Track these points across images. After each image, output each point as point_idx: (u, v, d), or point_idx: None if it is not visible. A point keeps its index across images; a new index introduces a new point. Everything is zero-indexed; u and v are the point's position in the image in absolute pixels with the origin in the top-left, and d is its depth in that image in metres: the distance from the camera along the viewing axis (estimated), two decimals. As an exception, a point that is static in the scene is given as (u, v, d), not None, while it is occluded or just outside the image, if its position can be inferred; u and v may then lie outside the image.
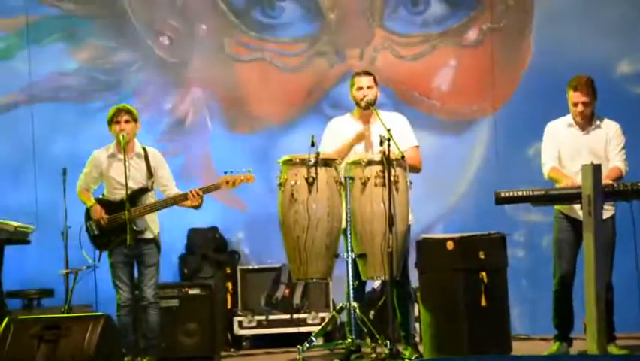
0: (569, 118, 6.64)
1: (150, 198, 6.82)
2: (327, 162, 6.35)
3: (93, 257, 6.84)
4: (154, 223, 6.85)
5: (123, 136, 6.68)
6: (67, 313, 6.86)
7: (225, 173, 6.77)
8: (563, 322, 6.59)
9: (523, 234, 8.42)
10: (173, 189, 6.86)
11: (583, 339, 6.43)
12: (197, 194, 6.70)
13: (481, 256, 6.42)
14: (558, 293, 6.57)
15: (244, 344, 8.13)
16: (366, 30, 8.80)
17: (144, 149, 6.90)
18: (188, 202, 6.74)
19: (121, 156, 6.75)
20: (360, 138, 6.57)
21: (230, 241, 8.65)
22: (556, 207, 6.60)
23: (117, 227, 6.67)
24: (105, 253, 6.81)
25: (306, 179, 6.26)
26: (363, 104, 6.65)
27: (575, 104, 6.52)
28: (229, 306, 8.23)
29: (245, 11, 8.90)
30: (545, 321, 6.78)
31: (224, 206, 8.59)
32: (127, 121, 6.79)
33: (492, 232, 6.60)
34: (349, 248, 6.35)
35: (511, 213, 8.24)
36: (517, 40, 8.65)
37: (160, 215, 6.97)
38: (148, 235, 6.80)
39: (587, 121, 6.57)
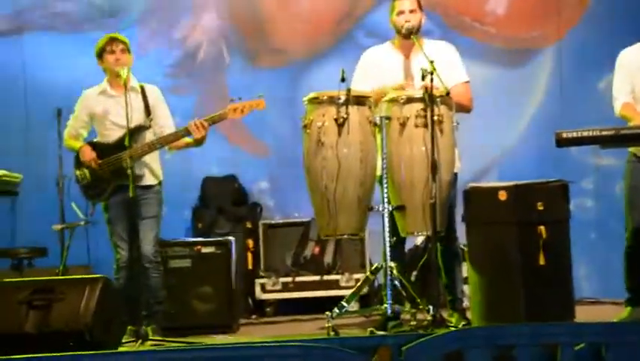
0: None
1: (148, 139, 6.82)
2: (360, 100, 6.32)
3: (85, 211, 6.88)
4: (156, 167, 6.86)
5: (123, 69, 6.66)
6: (63, 275, 6.92)
7: (232, 100, 6.74)
8: (637, 283, 6.56)
9: (593, 181, 8.42)
10: (170, 130, 6.86)
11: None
12: (202, 125, 6.67)
13: (539, 207, 6.39)
14: (630, 250, 6.54)
15: (267, 309, 8.21)
16: (410, -57, 8.72)
17: (141, 86, 6.91)
18: (186, 140, 6.74)
19: (113, 92, 6.78)
20: (400, 89, 6.51)
21: (251, 192, 8.71)
22: (631, 149, 6.55)
23: (112, 173, 6.69)
24: (99, 206, 6.83)
25: (335, 120, 6.24)
26: (404, 31, 6.61)
27: None
28: (250, 267, 8.30)
29: None
30: (618, 282, 6.75)
31: (244, 151, 8.63)
32: (122, 51, 6.81)
33: (552, 179, 6.55)
34: (386, 199, 6.34)
35: (579, 156, 8.25)
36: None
37: (169, 162, 6.99)
38: (149, 181, 6.81)
39: None
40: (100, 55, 6.84)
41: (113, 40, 6.83)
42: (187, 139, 6.78)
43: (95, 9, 8.84)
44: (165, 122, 6.91)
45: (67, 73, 8.54)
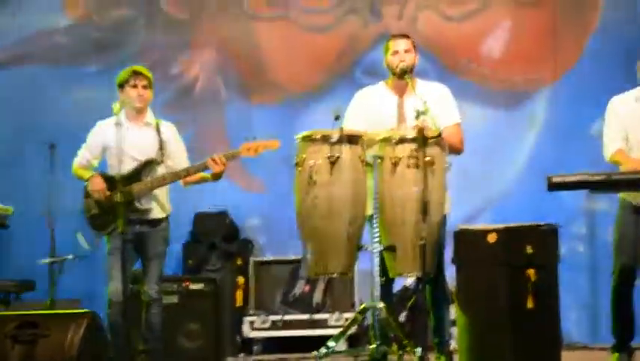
0: (638, 91, 6.58)
1: (160, 173, 6.84)
2: (353, 139, 6.32)
3: (90, 242, 6.88)
4: (166, 200, 6.87)
5: (118, 106, 6.64)
6: (50, 309, 6.91)
7: (246, 139, 6.79)
8: (622, 328, 6.56)
9: (585, 225, 8.40)
10: (183, 165, 6.88)
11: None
12: (220, 160, 6.70)
13: (529, 250, 6.38)
14: (617, 293, 6.54)
15: (255, 348, 8.20)
16: (406, -16, 8.81)
17: (157, 121, 6.95)
18: (200, 175, 6.78)
19: (129, 125, 6.79)
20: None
21: (243, 228, 8.71)
22: (622, 195, 6.56)
23: (118, 205, 6.70)
24: (105, 238, 6.83)
25: (328, 158, 6.24)
26: (398, 71, 6.62)
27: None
28: (239, 304, 8.30)
29: (267, -39, 8.95)
30: (608, 328, 6.74)
31: (237, 187, 8.64)
32: (145, 87, 6.84)
33: (543, 223, 6.55)
34: (376, 239, 6.34)
35: (572, 201, 8.24)
36: (584, -4, 8.61)
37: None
38: (157, 214, 6.82)
39: None
40: (121, 85, 6.86)
41: (137, 74, 6.85)
42: (203, 174, 6.80)
43: (93, 43, 8.87)
44: (180, 158, 6.93)
45: (62, 107, 8.57)
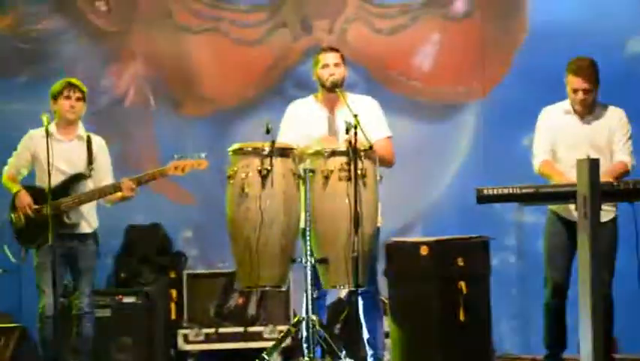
0: (566, 104, 6.69)
1: (87, 188, 6.83)
2: (284, 152, 6.35)
3: (17, 255, 6.83)
4: (92, 216, 6.87)
5: (48, 118, 6.63)
6: (-21, 323, 6.85)
7: (175, 157, 6.80)
8: (555, 340, 6.65)
9: (515, 237, 8.50)
10: (107, 182, 6.88)
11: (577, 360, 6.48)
12: (131, 187, 6.72)
13: (460, 262, 6.47)
14: (549, 306, 6.64)
15: (189, 361, 8.18)
16: (336, -3, 8.85)
17: (88, 135, 6.93)
18: (119, 194, 6.76)
19: (59, 137, 6.78)
20: (323, 140, 6.56)
21: (176, 241, 8.68)
22: (550, 206, 6.66)
23: (46, 220, 6.66)
24: (32, 251, 6.79)
25: (259, 171, 6.26)
26: (328, 84, 6.66)
27: (575, 91, 6.58)
28: (173, 317, 8.25)
29: (197, -28, 8.94)
30: (539, 338, 6.83)
31: (169, 200, 8.61)
32: (78, 99, 6.86)
33: (473, 235, 6.63)
34: (309, 251, 6.37)
35: (502, 213, 8.34)
36: (511, 12, 8.73)
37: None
38: (84, 229, 6.82)
39: (588, 109, 6.63)
40: (55, 97, 6.84)
41: (72, 86, 6.85)
42: (117, 195, 6.79)
43: (20, 55, 8.79)
44: (104, 175, 6.92)
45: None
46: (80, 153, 6.84)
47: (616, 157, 6.57)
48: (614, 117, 6.65)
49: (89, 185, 6.85)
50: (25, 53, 8.81)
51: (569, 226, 6.52)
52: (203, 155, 6.86)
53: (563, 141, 6.65)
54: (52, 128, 6.85)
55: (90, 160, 6.86)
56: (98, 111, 8.76)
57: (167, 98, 8.92)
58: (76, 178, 6.80)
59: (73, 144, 6.83)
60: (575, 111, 6.64)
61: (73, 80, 6.92)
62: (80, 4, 8.88)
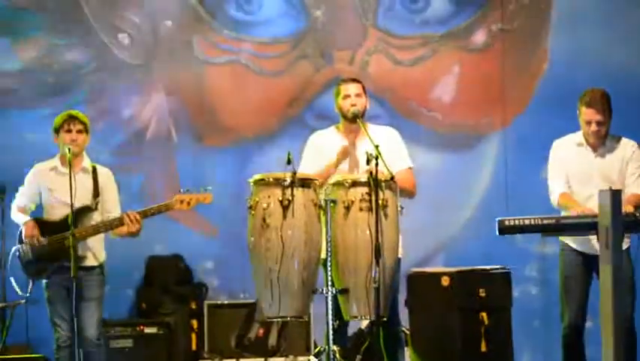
0: (579, 136, 6.68)
1: (94, 221, 6.82)
2: (306, 183, 6.35)
3: (26, 287, 6.83)
4: (98, 248, 6.84)
5: (69, 149, 6.66)
6: (2, 354, 6.83)
7: (180, 191, 6.80)
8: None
9: (537, 268, 8.47)
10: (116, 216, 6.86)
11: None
12: (135, 219, 6.68)
13: (482, 293, 6.46)
14: (567, 339, 6.61)
15: (209, 392, 8.17)
16: (357, 30, 8.89)
17: (93, 167, 6.92)
18: (125, 228, 6.72)
19: (64, 170, 6.73)
20: (345, 154, 6.59)
21: (196, 272, 8.69)
22: (562, 238, 6.65)
23: (55, 252, 6.66)
24: (39, 284, 6.79)
25: (281, 201, 6.26)
26: (349, 115, 6.67)
27: (588, 123, 6.56)
28: (193, 347, 8.25)
29: (217, 5, 8.98)
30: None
31: (190, 231, 8.62)
32: (79, 131, 6.80)
33: (495, 266, 6.61)
34: (330, 282, 6.36)
35: (523, 244, 8.31)
36: (532, 44, 8.75)
37: (113, 240, 6.98)
38: (91, 262, 6.79)
39: (600, 141, 6.61)
40: (57, 130, 6.84)
41: (72, 118, 6.81)
42: (124, 227, 6.76)
43: (45, 86, 8.84)
44: (111, 207, 6.90)
45: (14, 150, 8.53)
46: (85, 186, 6.82)
47: (629, 190, 6.54)
48: (627, 149, 6.63)
49: (96, 218, 6.83)
50: (48, 85, 8.85)
51: (585, 258, 6.51)
52: (209, 188, 6.84)
53: (575, 173, 6.64)
54: (57, 162, 6.86)
55: (96, 192, 6.84)
56: (120, 143, 8.83)
57: (189, 129, 8.95)
58: (82, 211, 6.78)
59: (79, 177, 6.79)
60: (588, 143, 6.63)
61: (74, 113, 6.89)
62: (103, 36, 8.92)
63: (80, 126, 6.80)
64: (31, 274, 6.78)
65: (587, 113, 6.56)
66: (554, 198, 6.64)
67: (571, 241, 6.61)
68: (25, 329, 7.53)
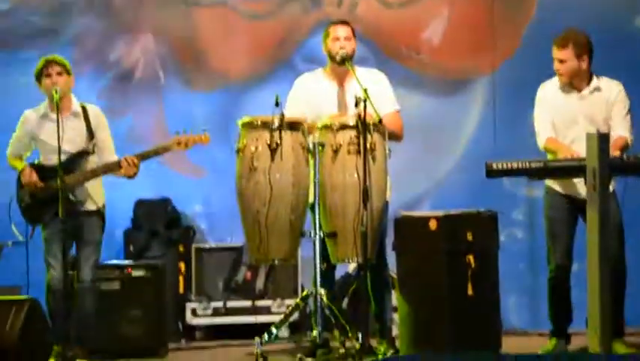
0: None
1: (92, 164, 6.83)
2: (294, 125, 6.37)
3: (25, 232, 6.85)
4: (97, 193, 6.87)
5: (56, 90, 6.65)
6: (-10, 296, 6.86)
7: (177, 133, 6.81)
8: (560, 315, 6.67)
9: (524, 212, 8.48)
10: (110, 157, 6.85)
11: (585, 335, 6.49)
12: (133, 162, 6.69)
13: (469, 237, 6.45)
14: (553, 281, 6.67)
15: (197, 334, 8.19)
16: (346, -29, 8.82)
17: (83, 107, 6.90)
18: (122, 171, 6.74)
19: (54, 116, 6.71)
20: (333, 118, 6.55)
21: (185, 215, 8.67)
22: (546, 182, 6.67)
23: (52, 196, 6.67)
24: (38, 228, 6.82)
25: (269, 145, 6.28)
26: (338, 58, 6.66)
27: (553, 61, 6.57)
28: (181, 291, 8.28)
29: (205, -56, 8.90)
30: (546, 314, 6.84)
31: (178, 174, 8.61)
32: (59, 73, 6.78)
33: (482, 209, 6.62)
34: (317, 225, 6.38)
35: (511, 188, 8.33)
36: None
37: (103, 183, 6.99)
38: (89, 207, 6.82)
39: (582, 82, 6.59)
40: (38, 78, 6.83)
41: (49, 62, 6.80)
42: (121, 171, 6.77)
43: (30, 28, 8.77)
44: (105, 148, 6.89)
45: (4, 93, 8.49)
46: (78, 129, 6.82)
47: (615, 132, 6.52)
48: (613, 91, 6.61)
49: (93, 160, 6.83)
50: (33, 26, 8.78)
51: (570, 201, 6.53)
52: (205, 129, 6.85)
53: (560, 116, 6.64)
54: (45, 107, 6.84)
55: (90, 135, 6.84)
56: (107, 86, 8.79)
57: (177, 71, 8.89)
58: (80, 155, 6.79)
59: (70, 122, 6.79)
60: (572, 86, 6.61)
61: (50, 57, 6.87)
62: (91, -23, 8.86)
63: (58, 68, 6.79)
64: (30, 219, 6.82)
65: (552, 52, 6.55)
66: (540, 141, 6.65)
67: (555, 184, 6.63)
68: (27, 275, 7.51)
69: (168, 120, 8.74)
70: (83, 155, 6.82)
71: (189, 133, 6.82)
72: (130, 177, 6.79)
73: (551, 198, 6.66)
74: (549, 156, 6.54)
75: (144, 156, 6.79)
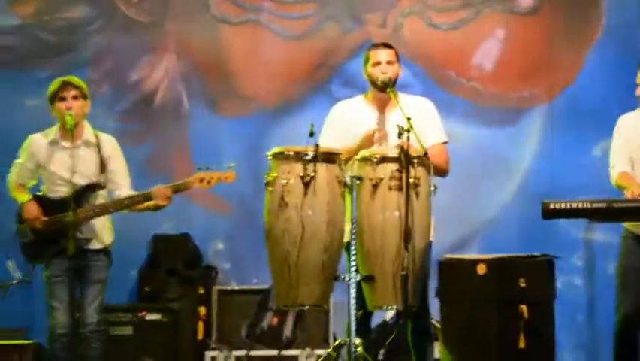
0: None
1: (101, 198, 6.80)
2: (329, 157, 6.30)
3: (24, 271, 6.83)
4: (105, 230, 6.83)
5: (71, 116, 6.63)
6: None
7: (199, 169, 6.78)
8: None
9: (584, 257, 8.42)
10: (125, 190, 6.82)
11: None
12: (166, 194, 6.67)
13: (522, 284, 6.41)
14: (620, 335, 6.54)
15: (217, 386, 8.18)
16: (391, -11, 8.84)
17: (96, 135, 6.88)
18: (152, 202, 6.71)
19: (65, 144, 6.71)
20: (368, 141, 6.51)
21: (206, 254, 8.70)
22: (626, 224, 6.57)
23: (56, 232, 6.64)
24: (40, 267, 6.79)
25: (302, 178, 6.22)
26: (379, 83, 6.62)
27: (637, 86, 6.50)
28: (200, 337, 8.27)
29: (236, -41, 8.96)
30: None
31: (201, 208, 8.62)
32: (75, 97, 6.75)
33: (538, 253, 6.57)
34: (353, 268, 6.33)
35: (569, 230, 8.29)
36: (585, 5, 8.64)
37: (116, 216, 6.97)
38: (96, 245, 6.78)
39: None
40: (51, 101, 6.80)
41: (65, 84, 6.76)
42: (148, 203, 6.74)
43: (44, 46, 8.82)
44: (120, 180, 6.86)
45: (9, 114, 8.53)
46: (89, 160, 6.78)
47: None
48: None
49: (102, 195, 6.81)
50: (48, 45, 8.85)
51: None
52: (231, 165, 6.82)
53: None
54: (55, 133, 6.82)
55: (103, 167, 6.81)
56: (126, 109, 8.83)
57: (203, 95, 8.95)
58: (90, 188, 6.74)
59: (81, 150, 6.76)
60: None
61: (67, 78, 6.82)
62: (109, -10, 8.94)
63: (74, 92, 6.75)
64: (31, 257, 6.78)
65: (637, 77, 6.49)
66: (613, 175, 6.55)
67: (635, 228, 6.51)
68: (31, 315, 7.52)
69: (192, 148, 8.77)
70: (93, 188, 6.78)
71: (212, 170, 6.78)
72: (159, 208, 6.76)
73: (628, 243, 6.55)
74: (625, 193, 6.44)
75: (175, 189, 6.76)
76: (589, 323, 8.28)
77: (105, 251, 6.83)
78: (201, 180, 6.80)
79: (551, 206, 6.14)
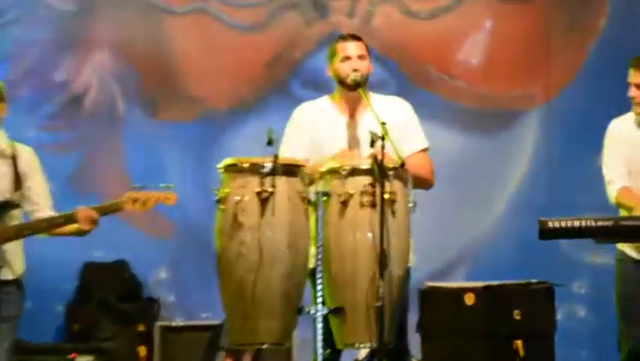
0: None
1: (15, 220, 6.78)
2: (291, 170, 6.32)
3: None
4: (16, 258, 6.80)
5: None
6: None
7: (133, 188, 6.74)
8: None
9: (587, 284, 8.48)
10: (45, 210, 6.81)
11: None
12: (91, 218, 6.64)
13: (516, 316, 6.46)
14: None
15: None
16: (359, -28, 8.91)
17: (12, 145, 6.87)
18: (75, 226, 6.70)
19: None
20: (343, 156, 6.55)
21: (146, 284, 8.72)
22: (620, 246, 6.64)
23: None
24: None
25: (258, 194, 6.25)
26: (349, 82, 6.65)
27: (629, 85, 6.59)
28: (140, 382, 8.29)
29: (178, -62, 9.02)
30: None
31: (138, 231, 8.63)
32: None
33: (534, 280, 6.63)
34: (320, 299, 6.35)
35: (572, 251, 8.35)
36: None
37: (37, 240, 6.96)
38: (5, 275, 6.74)
39: None
40: None
41: None
42: (73, 227, 6.72)
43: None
44: (40, 200, 6.83)
45: None
46: (2, 174, 6.76)
47: None
48: None
49: (16, 215, 6.78)
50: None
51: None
52: (171, 186, 6.77)
53: (637, 160, 6.63)
54: None
55: (18, 183, 6.79)
56: (50, 113, 8.83)
57: (140, 97, 8.96)
58: (3, 207, 6.74)
59: None
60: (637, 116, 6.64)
61: None
62: (28, -26, 8.96)
63: None
64: None
65: (629, 75, 6.57)
66: (612, 192, 6.64)
67: (631, 249, 6.60)
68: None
69: (127, 159, 8.78)
70: (6, 207, 6.77)
71: (151, 189, 6.73)
72: (83, 233, 6.74)
73: (625, 268, 6.63)
74: (622, 212, 6.52)
75: (102, 211, 6.72)
76: (594, 358, 8.35)
77: (17, 282, 6.80)
78: (135, 202, 6.71)
79: (550, 225, 6.17)
